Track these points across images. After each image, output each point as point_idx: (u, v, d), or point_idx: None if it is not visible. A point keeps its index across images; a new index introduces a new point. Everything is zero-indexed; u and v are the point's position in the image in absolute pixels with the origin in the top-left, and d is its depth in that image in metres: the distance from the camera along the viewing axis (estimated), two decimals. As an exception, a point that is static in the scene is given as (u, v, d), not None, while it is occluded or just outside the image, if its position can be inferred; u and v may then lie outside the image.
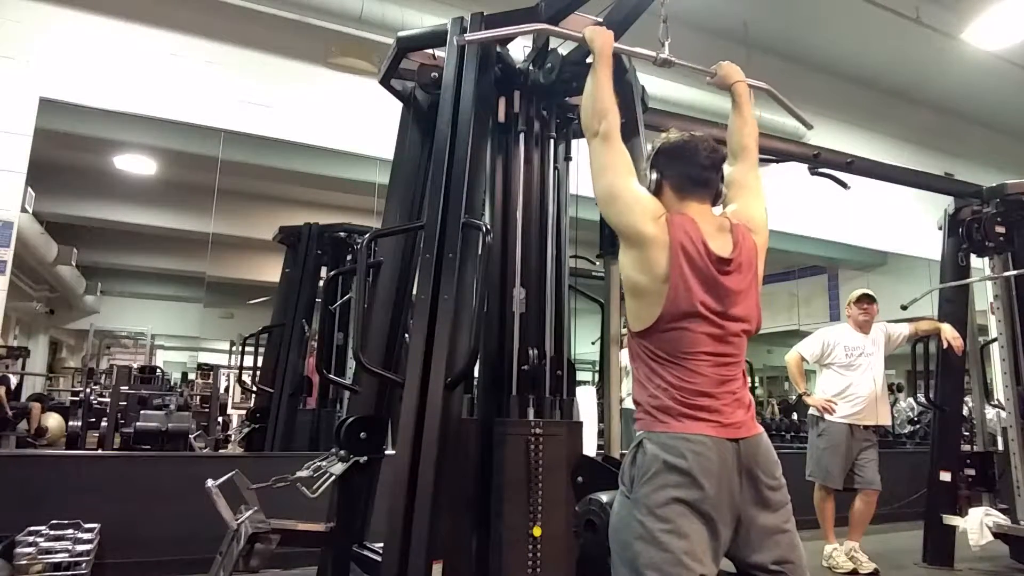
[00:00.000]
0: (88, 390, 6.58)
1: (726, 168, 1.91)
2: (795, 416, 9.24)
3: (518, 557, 2.24)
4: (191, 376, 10.01)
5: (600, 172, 1.80)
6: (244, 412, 6.29)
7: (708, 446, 1.59)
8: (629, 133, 2.63)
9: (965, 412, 4.90)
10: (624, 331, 3.35)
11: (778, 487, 1.67)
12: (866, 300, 4.58)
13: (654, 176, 1.84)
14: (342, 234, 5.44)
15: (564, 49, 2.58)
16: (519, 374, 2.45)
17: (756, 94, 2.23)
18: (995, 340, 4.73)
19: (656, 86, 3.03)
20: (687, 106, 4.53)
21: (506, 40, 2.61)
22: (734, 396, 1.68)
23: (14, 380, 7.47)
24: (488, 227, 2.38)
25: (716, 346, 1.68)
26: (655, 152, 1.88)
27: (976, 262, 4.83)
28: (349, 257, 5.32)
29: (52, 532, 3.38)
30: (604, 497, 1.91)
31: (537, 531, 2.26)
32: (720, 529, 1.58)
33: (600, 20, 2.59)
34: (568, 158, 2.84)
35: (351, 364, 4.36)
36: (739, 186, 1.92)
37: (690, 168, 1.80)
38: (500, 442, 2.33)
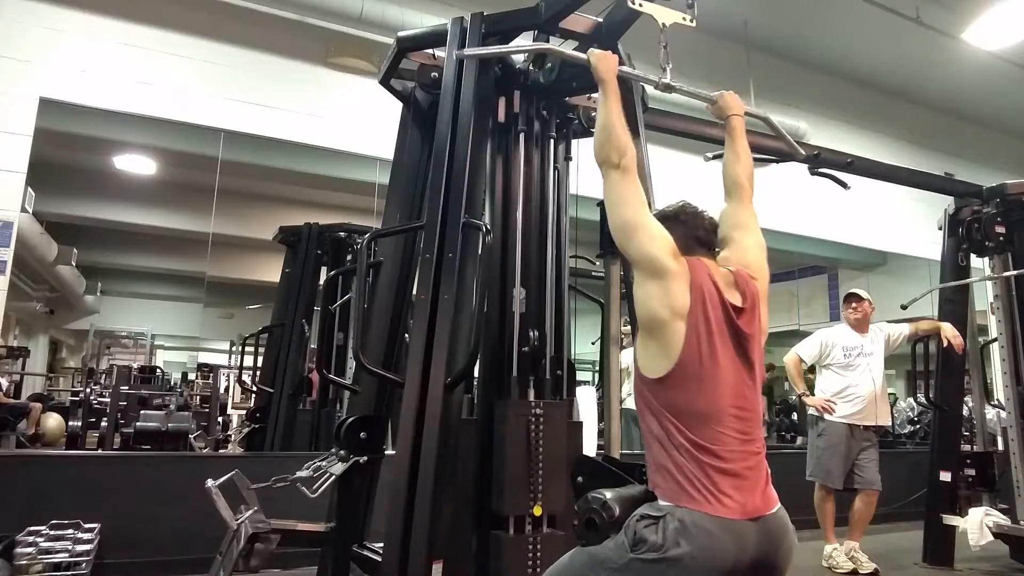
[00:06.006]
0: (88, 390, 6.58)
1: (721, 206, 1.90)
2: (795, 416, 9.25)
3: (518, 556, 2.24)
4: (191, 376, 10.01)
5: (618, 205, 1.73)
6: (244, 412, 6.29)
7: (728, 533, 1.48)
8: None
9: (965, 412, 4.90)
10: (624, 330, 3.36)
11: None
12: (854, 299, 4.60)
13: None
14: (342, 234, 5.44)
15: (564, 49, 2.58)
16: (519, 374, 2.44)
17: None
18: (995, 340, 4.72)
19: (656, 86, 3.01)
20: (687, 106, 4.51)
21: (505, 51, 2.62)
22: (756, 457, 1.59)
23: (4, 382, 7.48)
24: (488, 227, 2.38)
25: (737, 397, 1.60)
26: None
27: (976, 262, 4.82)
28: (349, 257, 5.32)
29: (52, 532, 3.38)
30: (606, 494, 1.91)
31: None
32: None
33: (600, 20, 2.60)
34: (568, 158, 2.85)
35: (351, 364, 4.36)
36: (735, 226, 1.86)
37: (695, 230, 1.77)
38: (500, 441, 2.33)
